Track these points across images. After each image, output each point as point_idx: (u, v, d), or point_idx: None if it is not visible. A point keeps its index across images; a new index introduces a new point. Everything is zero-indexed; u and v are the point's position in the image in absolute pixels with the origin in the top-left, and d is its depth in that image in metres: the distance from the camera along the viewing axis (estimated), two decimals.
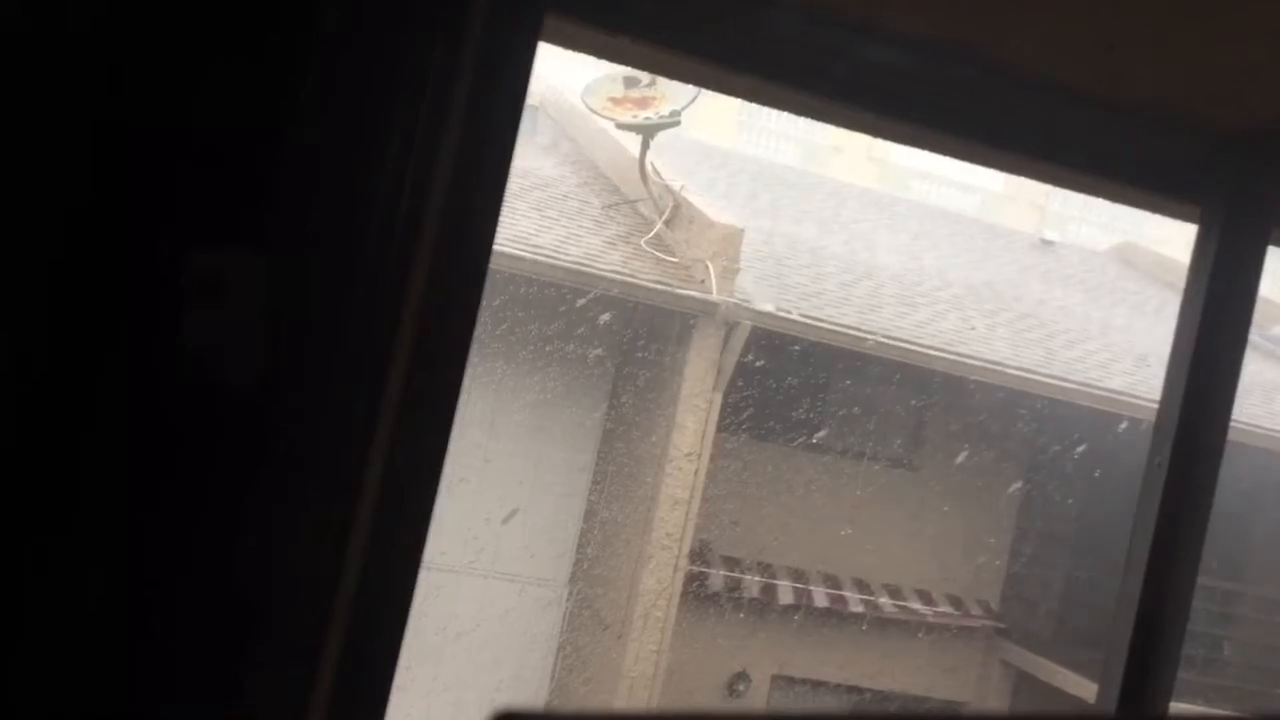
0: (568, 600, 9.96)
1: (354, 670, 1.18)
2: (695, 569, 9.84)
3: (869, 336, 9.85)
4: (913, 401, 10.79)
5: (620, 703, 9.37)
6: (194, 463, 1.03)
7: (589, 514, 9.96)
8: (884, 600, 10.53)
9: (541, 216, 9.78)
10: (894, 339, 9.94)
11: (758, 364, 9.88)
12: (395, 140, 1.06)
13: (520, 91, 1.17)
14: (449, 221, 1.16)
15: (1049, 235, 14.62)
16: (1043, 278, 13.19)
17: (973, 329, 10.87)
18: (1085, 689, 10.02)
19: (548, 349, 9.54)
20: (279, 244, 1.04)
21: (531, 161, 11.04)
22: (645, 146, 9.85)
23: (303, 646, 1.08)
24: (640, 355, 9.87)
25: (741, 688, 10.38)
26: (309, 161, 1.04)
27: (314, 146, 1.04)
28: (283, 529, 1.06)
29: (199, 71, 1.01)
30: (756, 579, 10.18)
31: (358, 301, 1.07)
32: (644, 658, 9.33)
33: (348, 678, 1.17)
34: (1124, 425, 10.21)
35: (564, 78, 11.56)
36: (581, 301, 9.37)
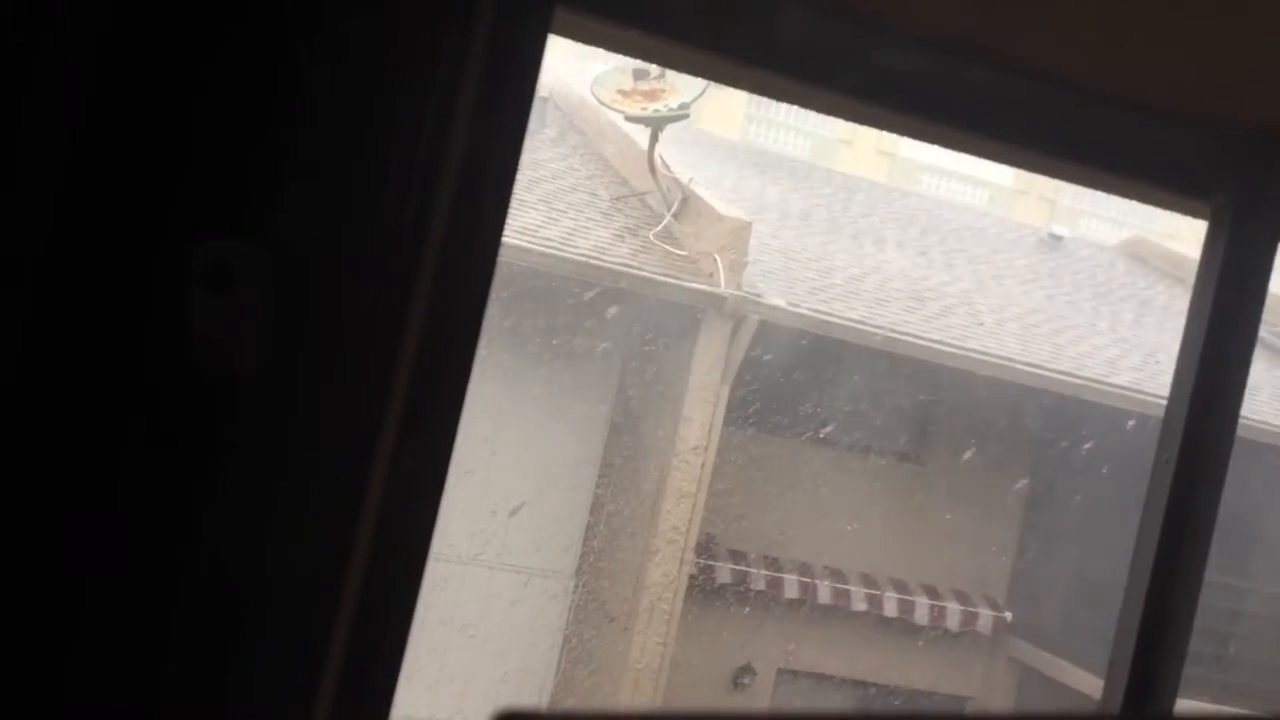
0: (574, 593, 9.97)
1: (361, 663, 1.18)
2: (701, 562, 9.85)
3: (877, 331, 9.84)
4: (920, 397, 10.78)
5: (625, 695, 9.38)
6: (196, 455, 1.03)
7: (595, 507, 9.97)
8: (890, 595, 10.53)
9: (549, 209, 9.78)
10: (902, 334, 9.93)
11: (765, 358, 9.88)
12: (403, 132, 1.06)
13: (530, 84, 1.17)
14: (457, 214, 1.15)
15: (1058, 230, 14.57)
16: (1051, 273, 13.16)
17: (981, 324, 10.85)
18: (1091, 684, 10.02)
19: (555, 342, 9.54)
20: (285, 236, 1.04)
21: (540, 154, 11.03)
22: (654, 139, 9.84)
23: (307, 640, 1.09)
24: (647, 349, 9.87)
25: (746, 681, 10.39)
26: (316, 154, 1.04)
27: (322, 138, 1.04)
28: (286, 522, 1.06)
29: (203, 65, 1.01)
30: (762, 573, 10.18)
31: (365, 293, 1.07)
32: (649, 650, 9.34)
33: (354, 670, 1.17)
34: (1132, 422, 10.19)
35: (574, 70, 11.55)
36: (589, 295, 9.37)
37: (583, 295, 9.38)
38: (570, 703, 9.72)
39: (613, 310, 9.58)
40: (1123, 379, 10.53)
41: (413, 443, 1.18)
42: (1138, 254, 14.77)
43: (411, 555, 1.21)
